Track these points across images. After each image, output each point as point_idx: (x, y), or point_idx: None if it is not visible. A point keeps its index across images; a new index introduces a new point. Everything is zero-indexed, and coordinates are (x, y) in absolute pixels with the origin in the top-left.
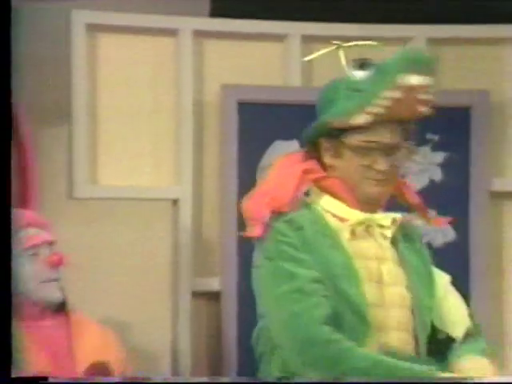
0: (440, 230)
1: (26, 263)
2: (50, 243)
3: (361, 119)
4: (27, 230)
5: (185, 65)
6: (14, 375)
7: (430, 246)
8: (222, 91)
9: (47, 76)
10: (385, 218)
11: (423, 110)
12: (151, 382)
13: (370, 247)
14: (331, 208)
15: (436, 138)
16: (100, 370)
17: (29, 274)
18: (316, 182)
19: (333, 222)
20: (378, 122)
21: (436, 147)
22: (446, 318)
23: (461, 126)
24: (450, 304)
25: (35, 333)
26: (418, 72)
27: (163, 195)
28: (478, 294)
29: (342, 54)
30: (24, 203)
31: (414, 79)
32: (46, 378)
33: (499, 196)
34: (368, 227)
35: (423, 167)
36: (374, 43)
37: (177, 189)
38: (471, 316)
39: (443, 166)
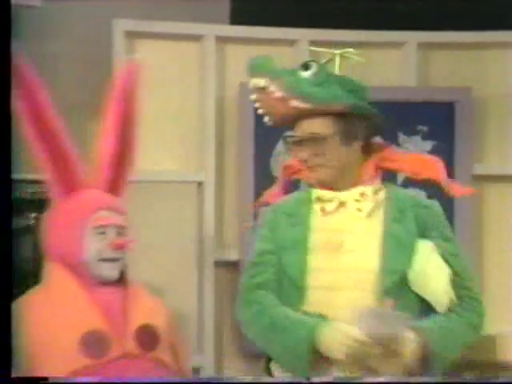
0: None
1: (92, 241)
2: (120, 227)
3: (265, 119)
4: (101, 212)
5: (208, 66)
6: (14, 375)
7: None
8: (241, 88)
9: (91, 75)
10: (349, 193)
11: (294, 104)
12: (155, 382)
13: (338, 221)
14: (313, 192)
15: (425, 128)
16: (148, 332)
17: (93, 250)
18: (296, 176)
19: (315, 204)
20: (291, 120)
21: (425, 137)
22: (427, 287)
23: (447, 118)
24: (430, 274)
25: (95, 295)
26: (258, 75)
27: (190, 178)
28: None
29: (336, 62)
30: (115, 189)
31: (253, 82)
32: (46, 379)
33: (480, 179)
34: (342, 203)
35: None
36: (354, 51)
37: (201, 173)
38: (460, 285)
39: (432, 152)
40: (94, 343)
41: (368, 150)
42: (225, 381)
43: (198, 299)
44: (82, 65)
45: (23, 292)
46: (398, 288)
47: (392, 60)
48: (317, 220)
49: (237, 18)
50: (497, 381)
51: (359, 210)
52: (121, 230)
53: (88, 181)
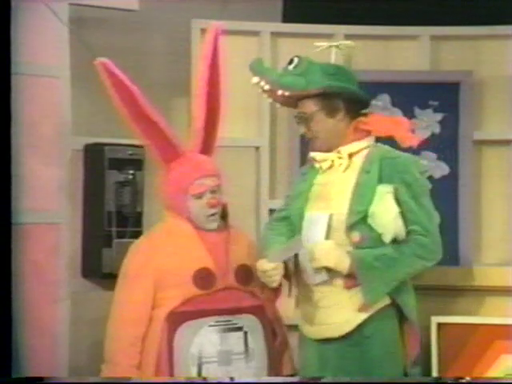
0: (438, 167)
1: (193, 203)
2: (213, 187)
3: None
4: (197, 182)
5: (265, 55)
6: (14, 375)
7: (431, 177)
8: None
9: (171, 63)
10: (331, 154)
11: (279, 93)
12: (152, 382)
13: (327, 176)
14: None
15: (436, 103)
16: (245, 270)
17: (194, 210)
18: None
19: (315, 164)
20: (290, 103)
21: (436, 110)
22: (376, 222)
23: (453, 94)
24: (379, 212)
25: (204, 237)
26: (254, 74)
27: (249, 144)
28: (464, 209)
29: (333, 51)
30: (208, 150)
31: (252, 79)
32: (42, 379)
33: (479, 143)
34: (333, 162)
35: (427, 123)
36: (353, 43)
37: (258, 139)
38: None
39: (441, 122)
40: (203, 278)
41: (354, 117)
42: (225, 381)
43: (256, 238)
44: (167, 54)
45: (123, 230)
46: (361, 225)
47: (410, 49)
48: (317, 177)
49: (287, 17)
50: (497, 381)
51: (340, 165)
52: (214, 189)
53: (185, 146)
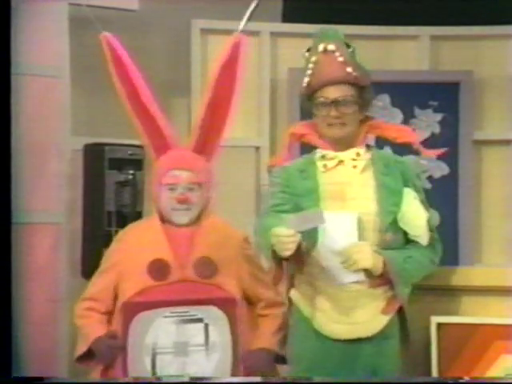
0: (438, 167)
1: (165, 194)
2: (189, 183)
3: (304, 82)
4: (172, 172)
5: (265, 55)
6: (14, 375)
7: (431, 177)
8: (289, 72)
9: (171, 63)
10: (347, 153)
11: (348, 70)
12: (151, 382)
13: (339, 176)
14: (317, 153)
15: (436, 103)
16: (206, 263)
17: (164, 202)
18: (301, 139)
19: (318, 162)
20: (325, 84)
21: (436, 110)
22: (412, 225)
23: (453, 95)
24: (413, 215)
25: (170, 231)
26: (328, 41)
27: (249, 144)
28: (464, 209)
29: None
30: (204, 151)
31: (322, 45)
32: (42, 379)
33: (479, 143)
34: (341, 161)
35: (427, 124)
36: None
37: (259, 139)
38: (430, 225)
39: (441, 122)
40: (158, 269)
41: (361, 120)
42: (225, 381)
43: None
44: (167, 54)
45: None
46: (393, 226)
47: (410, 49)
48: (321, 175)
49: (287, 17)
50: (497, 381)
51: (354, 166)
52: (191, 186)
53: (177, 143)
